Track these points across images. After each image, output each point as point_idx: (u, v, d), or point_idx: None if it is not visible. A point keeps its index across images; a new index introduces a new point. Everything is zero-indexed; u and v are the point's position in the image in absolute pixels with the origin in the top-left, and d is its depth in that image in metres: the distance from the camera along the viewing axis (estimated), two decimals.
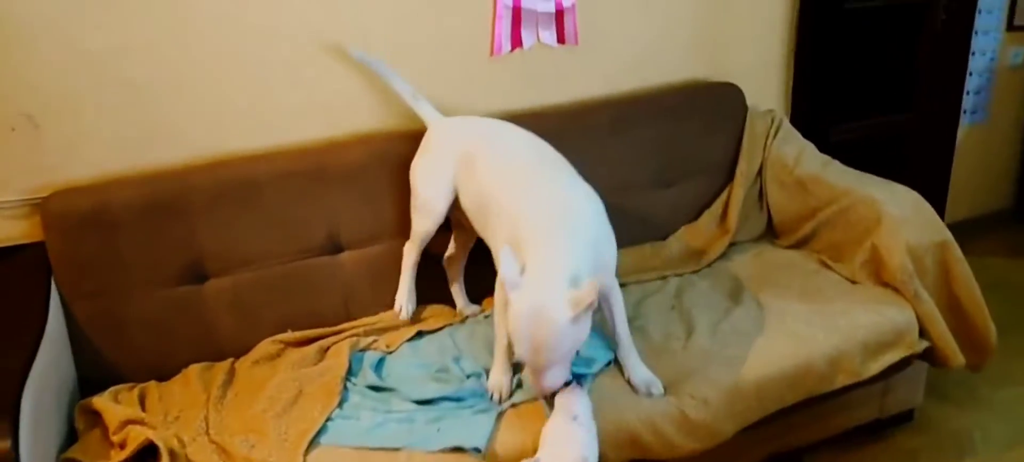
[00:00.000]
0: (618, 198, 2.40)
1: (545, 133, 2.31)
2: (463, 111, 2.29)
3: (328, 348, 2.03)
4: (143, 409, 1.84)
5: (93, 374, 1.94)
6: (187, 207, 1.99)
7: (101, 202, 1.92)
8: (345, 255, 2.16)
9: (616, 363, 1.93)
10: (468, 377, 1.92)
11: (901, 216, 2.18)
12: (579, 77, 2.49)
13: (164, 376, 1.98)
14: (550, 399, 1.70)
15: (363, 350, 2.03)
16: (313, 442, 1.73)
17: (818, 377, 1.99)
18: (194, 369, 1.98)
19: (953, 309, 2.17)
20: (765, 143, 2.57)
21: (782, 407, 1.98)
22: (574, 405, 1.65)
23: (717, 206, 2.53)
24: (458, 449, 1.70)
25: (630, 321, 2.12)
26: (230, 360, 2.03)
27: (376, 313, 2.17)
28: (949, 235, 2.18)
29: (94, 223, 1.91)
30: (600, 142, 2.40)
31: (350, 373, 1.95)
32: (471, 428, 1.75)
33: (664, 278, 2.34)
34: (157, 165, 2.05)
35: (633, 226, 2.46)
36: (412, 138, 2.14)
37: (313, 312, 2.12)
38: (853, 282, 2.24)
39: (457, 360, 1.97)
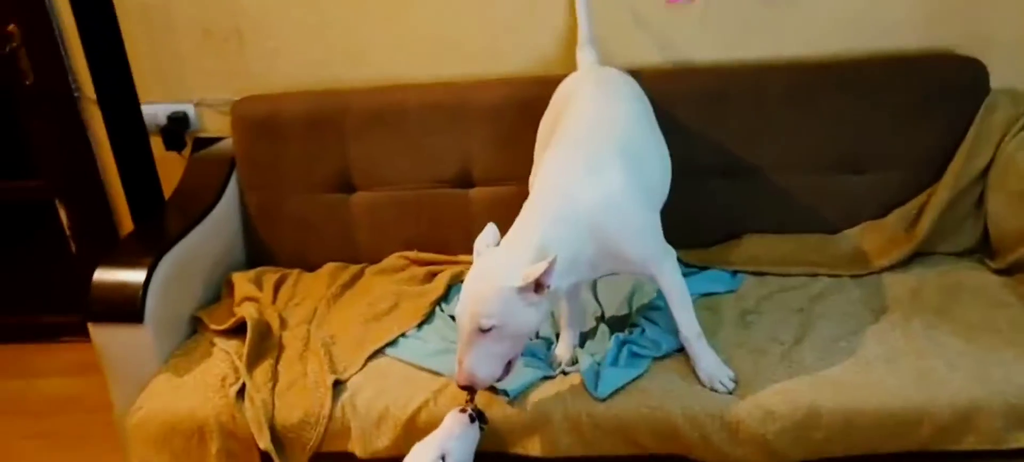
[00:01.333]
0: (788, 177, 2.27)
1: (711, 95, 2.26)
2: (628, 61, 2.29)
3: (437, 274, 2.27)
4: (276, 291, 2.27)
5: (256, 255, 2.43)
6: (343, 125, 2.35)
7: (274, 111, 2.36)
8: (474, 191, 2.36)
9: None
10: (537, 337, 2.02)
11: None
12: (771, 33, 2.31)
13: (309, 268, 2.40)
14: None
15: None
16: (381, 351, 2.00)
17: (937, 430, 1.72)
18: (330, 267, 2.37)
19: None
20: (1002, 138, 2.16)
21: (880, 452, 1.76)
22: (452, 442, 1.65)
23: (912, 206, 2.21)
24: (490, 389, 1.84)
25: (744, 314, 2.04)
26: (362, 266, 2.38)
27: None
28: None
29: (266, 128, 2.36)
30: (779, 111, 2.25)
31: (445, 299, 2.18)
32: (513, 374, 1.86)
33: (814, 275, 2.15)
34: (330, 84, 2.43)
35: (802, 212, 2.29)
36: (554, 84, 2.23)
37: (439, 238, 2.37)
38: None
39: None
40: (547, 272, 1.57)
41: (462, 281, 2.18)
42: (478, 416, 1.75)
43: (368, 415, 1.85)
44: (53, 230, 2.68)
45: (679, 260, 2.17)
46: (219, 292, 2.28)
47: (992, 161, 2.16)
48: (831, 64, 2.28)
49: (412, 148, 2.35)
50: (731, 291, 2.14)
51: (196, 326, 2.17)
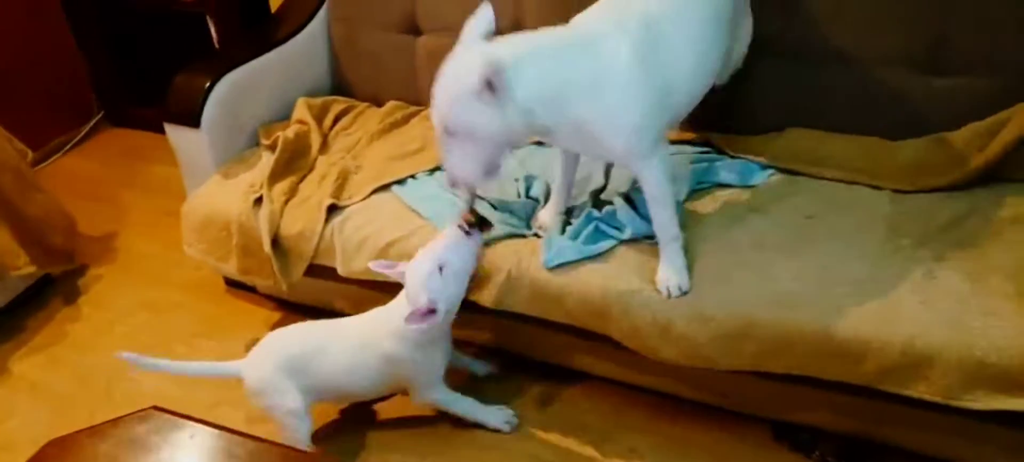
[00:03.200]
0: (856, 70, 2.06)
1: None
2: None
3: None
4: (337, 120, 2.52)
5: (338, 86, 2.68)
6: None
7: None
8: None
9: None
10: (529, 196, 2.08)
11: None
12: None
13: (379, 104, 2.61)
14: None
15: None
16: (389, 187, 2.18)
17: (882, 369, 1.59)
18: (390, 105, 2.56)
19: None
20: None
21: (822, 378, 1.65)
22: (447, 253, 1.76)
23: (993, 122, 1.89)
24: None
25: (748, 212, 1.93)
26: (420, 108, 2.53)
27: None
28: None
29: None
30: None
31: None
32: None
33: (852, 183, 1.95)
34: None
35: (862, 112, 2.08)
36: None
37: None
38: None
39: (532, 180, 2.13)
40: (497, 72, 1.51)
41: None
42: (479, 223, 1.85)
43: (351, 239, 2.06)
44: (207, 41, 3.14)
45: (709, 144, 2.12)
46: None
47: None
48: None
49: None
50: (750, 186, 2.01)
51: (258, 139, 2.48)
